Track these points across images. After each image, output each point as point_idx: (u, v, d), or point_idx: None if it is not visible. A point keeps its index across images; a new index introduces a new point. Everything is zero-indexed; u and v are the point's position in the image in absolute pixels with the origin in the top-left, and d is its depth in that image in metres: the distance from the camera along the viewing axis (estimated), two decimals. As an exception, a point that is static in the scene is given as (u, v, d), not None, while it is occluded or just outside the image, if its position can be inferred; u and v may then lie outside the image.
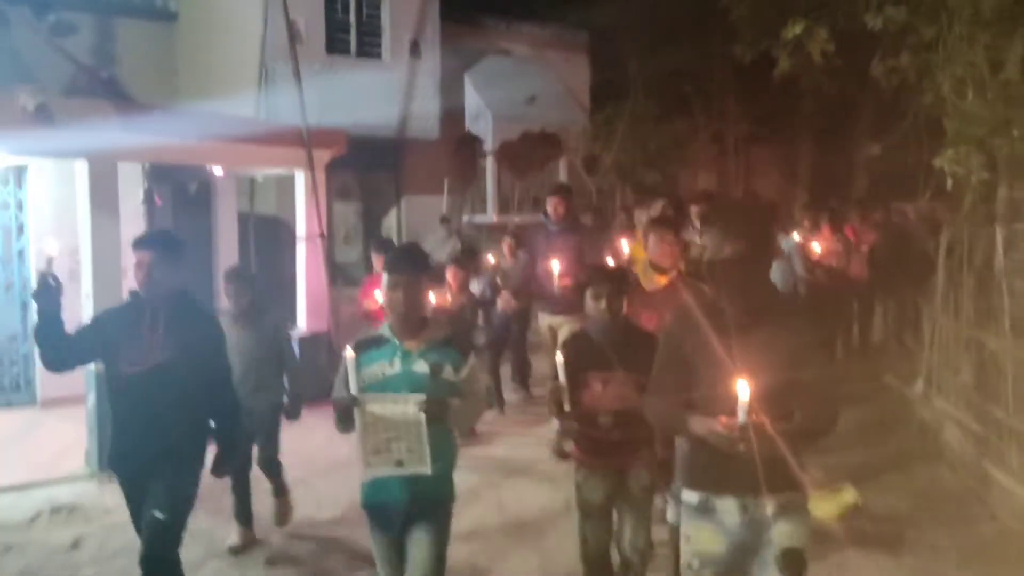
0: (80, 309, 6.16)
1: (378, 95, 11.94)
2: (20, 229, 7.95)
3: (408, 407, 2.94)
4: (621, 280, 3.54)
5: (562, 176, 13.96)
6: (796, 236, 7.80)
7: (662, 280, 4.20)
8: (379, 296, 5.07)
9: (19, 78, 8.36)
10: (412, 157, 12.82)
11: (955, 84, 3.61)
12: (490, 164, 13.50)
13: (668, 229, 4.29)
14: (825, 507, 4.95)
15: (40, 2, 11.32)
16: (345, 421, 3.01)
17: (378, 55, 12.21)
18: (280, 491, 5.04)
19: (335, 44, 11.83)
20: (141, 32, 12.40)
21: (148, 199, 7.59)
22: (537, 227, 6.65)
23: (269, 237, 10.61)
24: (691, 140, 13.78)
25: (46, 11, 11.37)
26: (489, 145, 13.40)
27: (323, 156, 8.18)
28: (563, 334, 6.19)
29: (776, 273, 7.63)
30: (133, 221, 7.31)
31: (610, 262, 5.47)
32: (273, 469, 4.99)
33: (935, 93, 3.83)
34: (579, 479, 3.57)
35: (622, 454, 3.43)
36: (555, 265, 5.81)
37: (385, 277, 3.11)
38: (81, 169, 6.03)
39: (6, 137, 5.62)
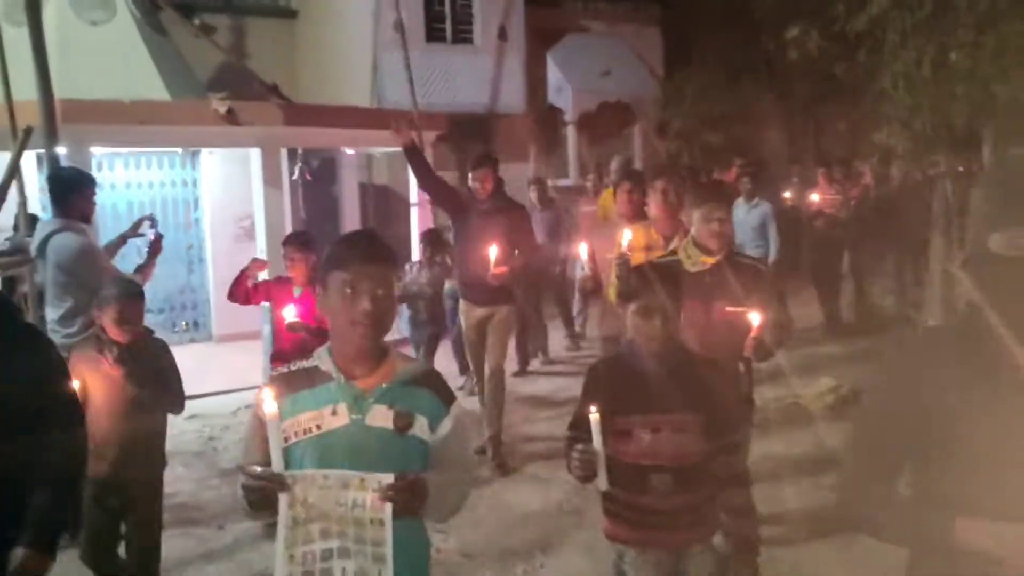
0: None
1: (471, 76, 13.68)
2: (196, 202, 10.03)
3: (364, 494, 1.78)
4: (677, 288, 2.59)
5: (636, 142, 15.41)
6: (787, 193, 8.76)
7: (709, 261, 3.48)
8: (290, 313, 4.63)
9: (188, 81, 10.38)
10: (501, 129, 14.49)
11: (892, 79, 4.98)
12: (571, 132, 15.07)
13: (719, 204, 3.53)
14: (825, 398, 6.52)
15: (186, 8, 13.45)
16: (258, 506, 1.88)
17: (470, 40, 13.90)
18: None
19: (433, 33, 13.57)
20: (266, 29, 14.40)
21: (301, 175, 9.55)
22: (463, 203, 5.69)
23: (383, 204, 12.52)
24: (756, 102, 14.86)
25: (192, 15, 13.48)
26: (569, 115, 14.97)
27: (429, 136, 9.95)
28: (493, 328, 5.51)
29: (755, 217, 7.99)
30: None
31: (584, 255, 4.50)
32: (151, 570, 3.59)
33: (880, 85, 5.20)
34: (624, 566, 2.58)
35: (681, 527, 2.50)
36: (492, 251, 5.06)
37: (340, 275, 1.94)
38: (255, 155, 7.97)
39: (206, 133, 7.58)
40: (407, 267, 7.00)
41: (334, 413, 1.94)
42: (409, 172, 10.56)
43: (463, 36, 13.89)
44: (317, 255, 4.80)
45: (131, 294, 3.50)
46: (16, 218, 6.14)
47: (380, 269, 1.97)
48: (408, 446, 1.95)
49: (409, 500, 1.81)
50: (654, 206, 4.36)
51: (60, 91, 6.17)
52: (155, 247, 5.28)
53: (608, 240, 4.22)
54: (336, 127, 8.81)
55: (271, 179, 7.97)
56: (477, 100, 13.75)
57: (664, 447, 2.45)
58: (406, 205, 10.69)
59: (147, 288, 6.72)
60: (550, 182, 15.10)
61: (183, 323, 10.14)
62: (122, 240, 5.57)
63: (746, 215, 7.90)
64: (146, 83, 9.21)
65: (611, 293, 4.17)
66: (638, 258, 4.28)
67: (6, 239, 6.31)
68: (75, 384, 2.94)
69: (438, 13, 13.64)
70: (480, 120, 14.03)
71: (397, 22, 11.80)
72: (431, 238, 7.23)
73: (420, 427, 1.97)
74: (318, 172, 11.88)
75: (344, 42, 13.44)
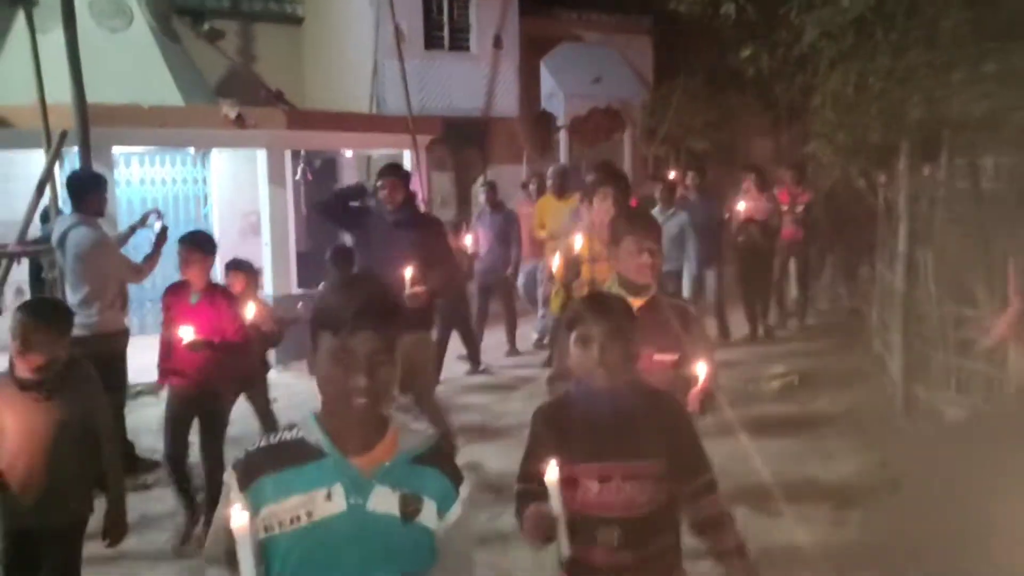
0: (261, 255, 8.89)
1: (467, 82, 14.37)
2: (205, 198, 10.74)
3: None
4: (625, 313, 2.30)
5: (626, 147, 16.10)
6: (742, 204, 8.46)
7: (637, 302, 3.03)
8: (187, 332, 4.20)
9: (199, 85, 11.08)
10: (496, 133, 15.17)
11: (822, 98, 5.66)
12: (563, 137, 15.76)
13: (649, 234, 3.15)
14: (773, 383, 7.19)
15: (196, 13, 14.15)
16: None
17: (467, 48, 14.60)
18: None
19: (432, 41, 14.26)
20: (274, 35, 15.10)
21: (303, 175, 10.28)
22: (368, 215, 5.16)
23: (381, 202, 13.22)
24: (742, 110, 15.49)
25: (201, 21, 14.18)
26: (561, 120, 15.66)
27: (424, 139, 10.67)
28: (413, 362, 4.57)
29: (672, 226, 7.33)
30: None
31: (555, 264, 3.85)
32: None
33: (813, 104, 5.88)
34: None
35: None
36: (408, 272, 4.58)
37: (331, 340, 1.61)
38: (261, 156, 8.68)
39: (216, 136, 8.29)
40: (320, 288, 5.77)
41: (328, 498, 1.60)
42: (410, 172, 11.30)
43: (460, 44, 14.59)
44: (214, 256, 4.58)
45: (37, 317, 2.96)
46: (47, 211, 6.86)
47: (381, 332, 1.61)
48: (415, 536, 1.65)
49: None
50: (599, 214, 3.91)
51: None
52: (161, 238, 5.90)
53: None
54: (336, 131, 9.53)
55: (276, 178, 8.68)
56: (473, 105, 14.44)
57: (613, 497, 2.21)
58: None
59: (158, 277, 7.19)
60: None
61: (191, 311, 10.86)
62: (131, 231, 6.16)
63: (663, 226, 7.40)
64: (160, 88, 9.91)
65: (554, 304, 4.12)
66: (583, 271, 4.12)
67: (39, 230, 7.02)
68: None
69: (437, 21, 14.34)
70: (475, 123, 14.72)
71: (396, 30, 12.50)
72: (341, 256, 6.08)
73: (427, 513, 1.66)
74: (320, 172, 12.60)
75: (347, 48, 14.14)
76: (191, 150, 9.54)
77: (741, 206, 8.42)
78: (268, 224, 8.77)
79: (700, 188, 8.59)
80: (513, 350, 8.51)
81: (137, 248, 6.62)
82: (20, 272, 7.77)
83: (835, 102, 5.54)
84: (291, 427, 1.70)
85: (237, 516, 1.48)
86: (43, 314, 2.98)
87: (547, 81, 15.86)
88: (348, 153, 11.38)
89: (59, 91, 6.66)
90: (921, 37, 5.12)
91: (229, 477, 1.64)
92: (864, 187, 6.88)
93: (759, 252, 8.46)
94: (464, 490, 1.73)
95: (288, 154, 10.56)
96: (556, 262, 3.72)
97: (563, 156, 15.74)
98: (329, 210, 5.25)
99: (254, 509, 1.59)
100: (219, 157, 10.64)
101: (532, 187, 9.12)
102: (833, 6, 5.50)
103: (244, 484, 1.62)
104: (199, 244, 4.48)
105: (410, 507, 1.64)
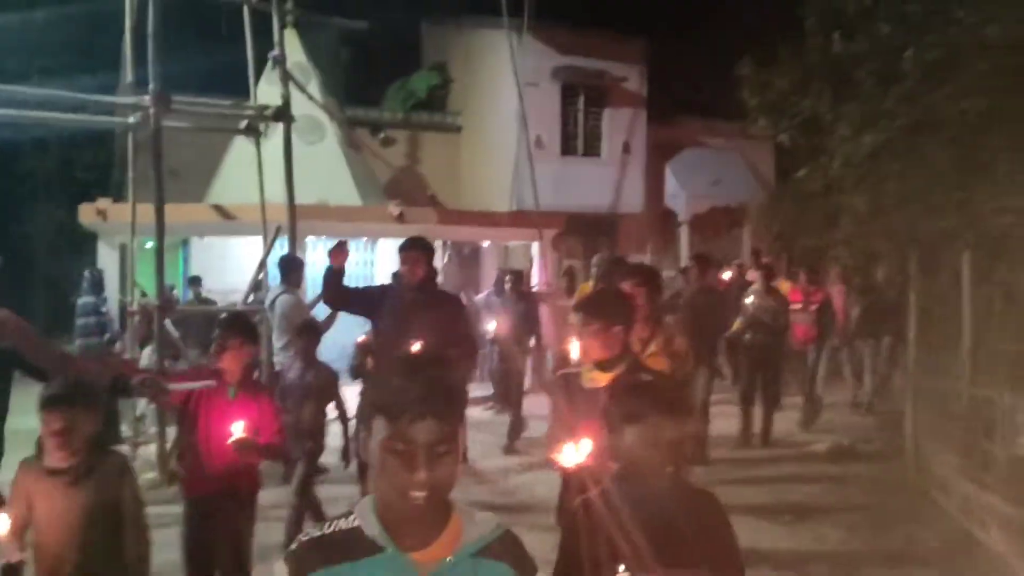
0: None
1: (598, 183, 16.42)
2: (373, 278, 13.12)
3: None
4: (678, 393, 2.27)
5: (744, 241, 17.46)
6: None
7: (602, 379, 3.05)
8: (239, 428, 3.51)
9: (373, 187, 13.65)
10: (623, 227, 17.00)
11: (846, 213, 7.09)
12: (684, 231, 17.37)
13: (597, 312, 3.14)
14: (818, 446, 8.24)
15: (375, 125, 17.03)
16: None
17: (598, 154, 16.71)
18: None
19: (567, 147, 16.49)
20: (437, 142, 17.77)
21: (451, 259, 12.48)
22: (381, 295, 5.14)
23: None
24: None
25: (378, 131, 17.03)
26: (683, 217, 17.30)
27: (550, 232, 12.66)
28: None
29: None
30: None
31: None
32: None
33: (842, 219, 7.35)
34: None
35: None
36: (416, 349, 4.19)
37: (388, 426, 1.50)
38: (416, 245, 10.93)
39: (383, 229, 10.61)
40: (287, 361, 5.58)
41: None
42: (535, 260, 13.24)
43: (592, 150, 16.73)
44: (256, 345, 4.10)
45: (52, 400, 2.88)
46: (259, 283, 9.27)
47: (444, 421, 1.48)
48: None
49: None
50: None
51: (282, 196, 9.11)
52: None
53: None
54: (476, 225, 11.70)
55: (426, 263, 10.88)
56: (602, 202, 16.45)
57: None
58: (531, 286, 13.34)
59: (332, 340, 9.41)
60: (665, 272, 17.42)
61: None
62: (317, 299, 8.45)
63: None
64: (343, 189, 12.46)
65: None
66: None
67: (253, 297, 9.43)
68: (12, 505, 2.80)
69: (572, 131, 16.57)
70: (604, 218, 16.64)
71: (529, 143, 14.72)
72: (307, 328, 5.75)
73: None
74: (466, 259, 14.82)
75: (494, 154, 16.56)
76: (364, 239, 11.93)
77: (748, 302, 8.31)
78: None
79: (699, 281, 8.10)
80: (511, 447, 8.05)
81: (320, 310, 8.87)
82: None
83: (854, 217, 6.98)
84: (348, 514, 1.56)
85: None
86: (57, 398, 2.87)
87: (671, 181, 17.63)
88: (486, 243, 13.54)
89: (267, 192, 9.05)
90: (918, 168, 6.54)
91: (280, 570, 1.51)
92: (882, 285, 7.99)
93: (761, 351, 8.27)
94: None
95: (439, 244, 12.82)
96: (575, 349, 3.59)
97: (684, 249, 17.32)
98: (339, 301, 5.08)
99: None
100: (384, 244, 13.05)
101: (564, 282, 9.55)
102: (855, 142, 7.03)
103: None
104: (241, 329, 3.87)
105: None
